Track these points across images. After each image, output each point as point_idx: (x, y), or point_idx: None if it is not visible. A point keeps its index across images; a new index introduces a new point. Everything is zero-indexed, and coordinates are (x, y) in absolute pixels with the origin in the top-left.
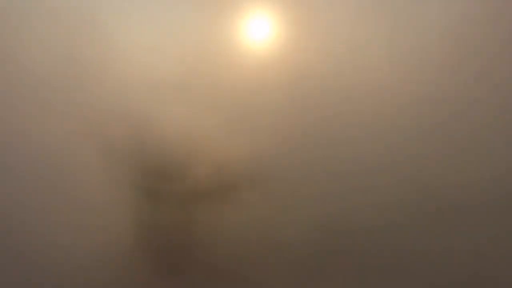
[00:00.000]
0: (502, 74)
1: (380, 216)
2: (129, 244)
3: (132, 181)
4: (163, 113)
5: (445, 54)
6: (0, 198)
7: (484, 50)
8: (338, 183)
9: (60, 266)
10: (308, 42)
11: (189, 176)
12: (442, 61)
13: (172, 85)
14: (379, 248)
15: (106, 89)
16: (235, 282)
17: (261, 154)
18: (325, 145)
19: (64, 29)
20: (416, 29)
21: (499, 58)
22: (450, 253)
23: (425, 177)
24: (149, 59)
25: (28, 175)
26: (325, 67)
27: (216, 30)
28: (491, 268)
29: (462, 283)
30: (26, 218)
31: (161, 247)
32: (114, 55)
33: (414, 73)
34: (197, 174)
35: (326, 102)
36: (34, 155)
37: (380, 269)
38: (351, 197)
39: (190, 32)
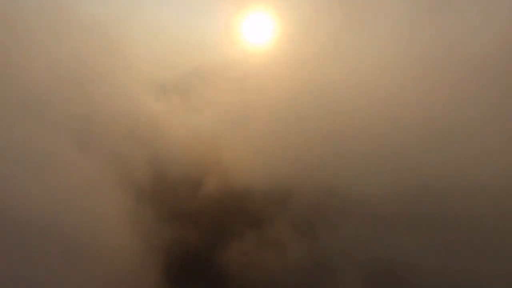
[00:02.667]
0: None
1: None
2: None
3: (146, 201)
4: (172, 122)
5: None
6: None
7: None
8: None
9: None
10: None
11: (203, 194)
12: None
13: (182, 93)
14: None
15: (113, 100)
16: None
17: (281, 173)
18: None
19: (70, 38)
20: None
21: None
22: None
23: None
24: (157, 65)
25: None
26: (345, 74)
27: (229, 36)
28: None
29: None
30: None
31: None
32: (120, 61)
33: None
34: (212, 194)
35: (350, 111)
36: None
37: None
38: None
39: (199, 37)
